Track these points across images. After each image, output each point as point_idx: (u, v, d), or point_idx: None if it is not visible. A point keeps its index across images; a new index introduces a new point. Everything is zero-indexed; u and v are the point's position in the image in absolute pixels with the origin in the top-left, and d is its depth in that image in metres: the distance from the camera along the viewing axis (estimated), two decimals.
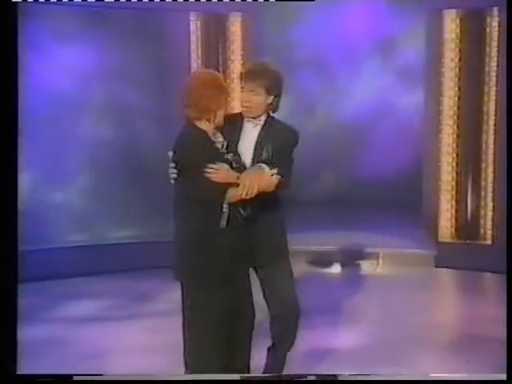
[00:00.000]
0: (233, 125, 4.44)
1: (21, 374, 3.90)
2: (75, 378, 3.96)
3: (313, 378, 4.19)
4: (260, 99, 4.42)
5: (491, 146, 8.13)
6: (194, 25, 8.22)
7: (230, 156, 4.28)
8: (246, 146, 4.45)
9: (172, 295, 6.50)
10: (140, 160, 8.20)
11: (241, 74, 4.53)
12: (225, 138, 4.35)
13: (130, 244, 8.14)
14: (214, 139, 4.26)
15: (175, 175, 4.24)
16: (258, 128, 4.49)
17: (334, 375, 4.25)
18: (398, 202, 9.83)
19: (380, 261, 8.14)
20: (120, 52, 8.04)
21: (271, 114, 4.53)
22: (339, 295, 7.08)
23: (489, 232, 8.22)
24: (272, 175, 4.29)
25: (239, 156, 4.38)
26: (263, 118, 4.50)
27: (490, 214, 8.20)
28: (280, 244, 4.61)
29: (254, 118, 4.47)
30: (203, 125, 4.23)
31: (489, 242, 8.22)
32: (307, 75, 10.22)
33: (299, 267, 6.71)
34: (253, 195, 4.18)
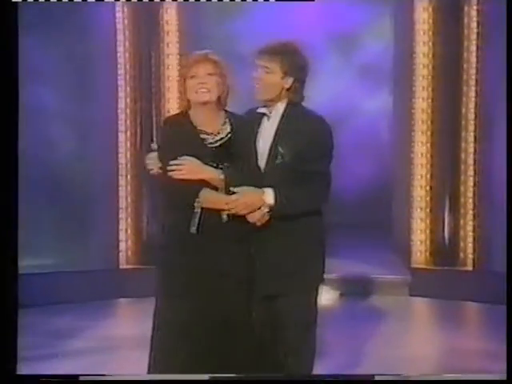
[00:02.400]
0: (248, 122, 3.93)
1: (21, 374, 4.01)
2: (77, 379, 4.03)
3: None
4: (273, 78, 3.85)
5: (471, 156, 7.80)
6: (121, 11, 7.67)
7: (215, 153, 3.79)
8: (262, 147, 3.88)
9: (93, 332, 6.61)
10: (56, 173, 7.67)
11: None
12: (232, 135, 3.82)
13: (42, 274, 7.53)
14: (201, 129, 3.84)
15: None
16: (275, 121, 3.88)
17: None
18: (365, 221, 9.75)
19: (347, 288, 7.81)
20: (29, 45, 7.27)
21: (294, 102, 3.91)
22: None
23: (469, 256, 7.87)
24: (266, 212, 3.74)
25: (239, 157, 3.83)
26: (280, 106, 3.88)
27: (470, 236, 7.87)
28: (293, 267, 3.89)
29: (268, 107, 3.88)
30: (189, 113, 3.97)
31: (469, 267, 7.86)
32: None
33: None
34: (236, 213, 3.72)
